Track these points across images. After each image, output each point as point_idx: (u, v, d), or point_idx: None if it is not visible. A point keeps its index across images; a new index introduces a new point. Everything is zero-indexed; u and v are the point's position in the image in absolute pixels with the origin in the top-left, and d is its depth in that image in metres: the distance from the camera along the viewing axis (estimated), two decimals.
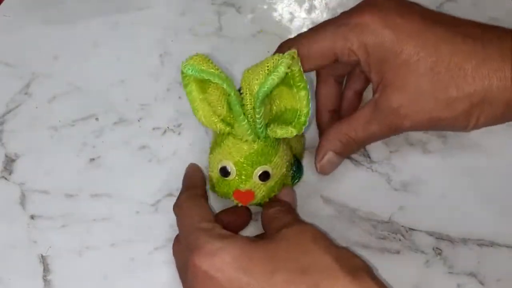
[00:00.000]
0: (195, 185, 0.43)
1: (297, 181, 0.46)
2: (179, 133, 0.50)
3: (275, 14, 0.55)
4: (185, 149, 0.49)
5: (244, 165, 0.40)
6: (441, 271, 0.44)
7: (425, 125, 0.40)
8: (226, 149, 0.41)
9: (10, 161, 0.48)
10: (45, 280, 0.44)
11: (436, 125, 0.40)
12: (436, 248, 0.45)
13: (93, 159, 0.48)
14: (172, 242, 0.45)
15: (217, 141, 0.42)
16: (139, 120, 0.50)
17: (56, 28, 0.55)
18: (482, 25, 0.41)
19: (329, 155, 0.44)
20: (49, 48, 0.53)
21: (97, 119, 0.50)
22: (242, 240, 0.36)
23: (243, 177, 0.40)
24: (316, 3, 0.56)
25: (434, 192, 0.47)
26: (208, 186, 0.45)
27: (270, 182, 0.41)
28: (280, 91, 0.40)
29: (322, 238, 0.36)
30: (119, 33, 0.54)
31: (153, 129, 0.50)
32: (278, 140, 0.42)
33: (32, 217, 0.46)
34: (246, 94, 0.39)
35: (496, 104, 0.39)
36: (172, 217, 0.46)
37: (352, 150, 0.44)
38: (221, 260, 0.34)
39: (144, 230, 0.45)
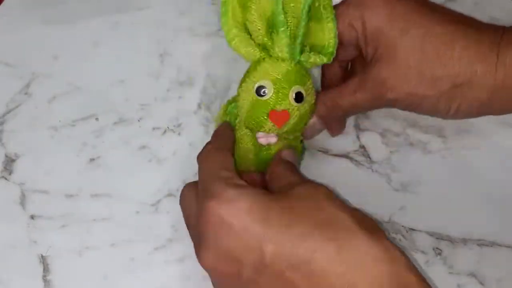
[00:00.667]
0: (222, 138, 0.43)
1: (302, 155, 0.47)
2: (179, 133, 0.50)
3: None
4: (185, 149, 0.49)
5: (282, 83, 0.41)
6: (441, 271, 0.44)
7: (408, 101, 0.42)
8: (263, 70, 0.41)
9: (10, 161, 0.48)
10: (45, 280, 0.44)
11: (418, 103, 0.42)
12: (436, 248, 0.45)
13: (93, 159, 0.48)
14: (172, 239, 0.45)
15: (250, 69, 0.43)
16: (139, 120, 0.50)
17: (56, 28, 0.55)
18: (477, 20, 0.43)
19: (312, 118, 0.44)
20: (49, 48, 0.53)
21: (97, 119, 0.50)
22: (259, 191, 0.35)
23: (280, 95, 0.41)
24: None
25: (434, 192, 0.47)
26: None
27: (302, 108, 0.42)
28: (310, 28, 0.42)
29: (335, 198, 0.36)
30: (119, 33, 0.54)
31: (153, 129, 0.50)
32: (308, 71, 0.43)
33: (32, 217, 0.46)
34: (287, 12, 0.41)
35: (479, 89, 0.40)
36: (172, 217, 0.46)
37: (335, 116, 0.45)
38: (238, 207, 0.34)
39: (144, 230, 0.46)
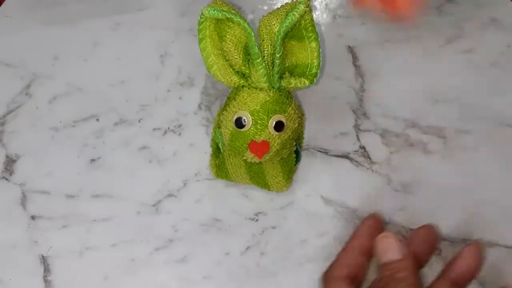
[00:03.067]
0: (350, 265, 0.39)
1: (297, 163, 0.46)
2: (180, 134, 0.50)
3: None
4: (185, 149, 0.49)
5: (260, 113, 0.40)
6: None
7: None
8: (242, 100, 0.41)
9: (11, 161, 0.49)
10: (45, 280, 0.44)
11: None
12: (436, 248, 0.45)
13: (94, 159, 0.48)
14: (173, 240, 0.45)
15: (230, 96, 0.43)
16: (139, 121, 0.50)
17: (56, 29, 0.55)
18: None
19: None
20: (50, 48, 0.54)
21: (97, 119, 0.50)
22: None
23: (258, 126, 0.40)
24: (316, 3, 0.56)
25: (434, 192, 0.47)
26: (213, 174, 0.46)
27: (284, 135, 0.41)
28: (292, 47, 0.41)
29: None
30: (119, 34, 0.54)
31: (154, 129, 0.50)
32: (290, 94, 0.42)
33: (32, 217, 0.46)
34: (264, 40, 0.40)
35: None
36: (173, 218, 0.46)
37: None
38: None
39: (144, 231, 0.46)
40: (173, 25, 0.54)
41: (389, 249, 0.37)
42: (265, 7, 0.56)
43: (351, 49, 0.54)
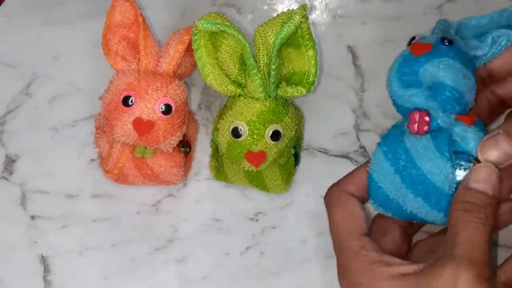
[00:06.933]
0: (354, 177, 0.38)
1: (297, 166, 0.46)
2: None
3: (275, 15, 0.55)
4: None
5: (256, 123, 0.40)
6: None
7: None
8: (238, 110, 0.41)
9: (10, 161, 0.48)
10: (45, 280, 0.44)
11: None
12: None
13: (93, 159, 0.48)
14: (172, 240, 0.45)
15: (227, 105, 0.43)
16: None
17: (56, 29, 0.55)
18: None
19: None
20: (50, 48, 0.54)
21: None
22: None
23: (255, 136, 0.40)
24: (316, 3, 0.56)
25: None
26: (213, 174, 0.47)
27: (281, 144, 0.41)
28: (288, 54, 0.41)
29: None
30: None
31: None
32: (287, 102, 0.42)
33: (32, 217, 0.46)
34: (259, 50, 0.40)
35: None
36: (173, 218, 0.46)
37: None
38: None
39: (144, 231, 0.46)
40: (173, 24, 0.54)
41: (485, 180, 0.34)
42: (265, 7, 0.56)
43: (351, 49, 0.54)
